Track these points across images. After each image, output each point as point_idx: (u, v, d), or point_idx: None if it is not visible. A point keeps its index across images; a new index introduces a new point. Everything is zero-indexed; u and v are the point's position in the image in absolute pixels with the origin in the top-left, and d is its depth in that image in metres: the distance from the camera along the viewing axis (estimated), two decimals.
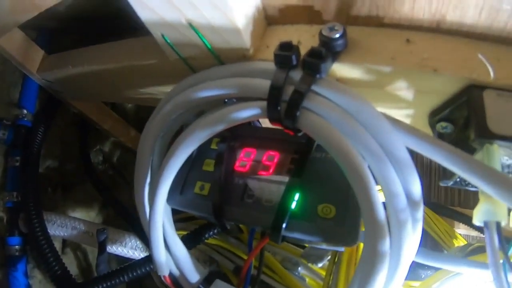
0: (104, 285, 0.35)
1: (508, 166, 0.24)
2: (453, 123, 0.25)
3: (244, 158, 0.28)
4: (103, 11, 0.45)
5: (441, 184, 0.27)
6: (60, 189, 0.49)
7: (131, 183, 0.62)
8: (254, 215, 0.26)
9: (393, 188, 0.21)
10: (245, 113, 0.23)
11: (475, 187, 0.26)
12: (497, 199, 0.20)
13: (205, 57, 0.27)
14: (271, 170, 0.27)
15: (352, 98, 0.21)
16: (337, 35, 0.22)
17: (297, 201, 0.25)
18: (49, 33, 0.45)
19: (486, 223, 0.21)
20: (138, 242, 0.40)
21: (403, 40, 0.23)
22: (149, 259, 0.36)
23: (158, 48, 0.29)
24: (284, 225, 0.24)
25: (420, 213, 0.22)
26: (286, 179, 0.26)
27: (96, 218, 0.54)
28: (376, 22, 0.24)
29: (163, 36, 0.26)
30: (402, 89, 0.24)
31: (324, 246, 0.28)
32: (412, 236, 0.22)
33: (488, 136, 0.21)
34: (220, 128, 0.25)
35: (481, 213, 0.21)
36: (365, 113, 0.21)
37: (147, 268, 0.36)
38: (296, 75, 0.22)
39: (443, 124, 0.25)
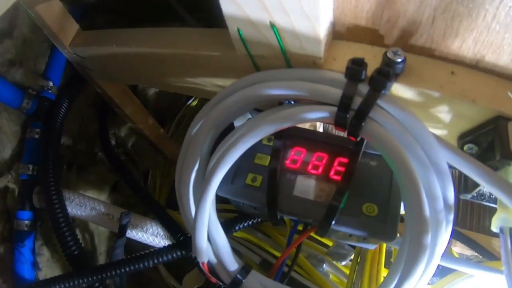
0: (126, 269, 0.39)
1: None
2: (478, 146, 0.33)
3: (295, 156, 0.34)
4: None
5: (461, 197, 0.35)
6: (75, 168, 0.51)
7: (142, 170, 0.65)
8: (305, 208, 0.32)
9: (435, 192, 0.28)
10: (315, 114, 0.30)
11: (488, 201, 0.34)
12: None
13: (274, 57, 0.32)
14: (320, 170, 0.33)
15: (409, 115, 0.28)
16: (400, 60, 0.29)
17: (345, 199, 0.31)
18: (84, 8, 0.48)
19: (501, 229, 0.29)
20: (159, 229, 0.44)
21: (449, 71, 0.31)
22: (173, 247, 0.41)
23: (223, 41, 0.35)
24: (334, 220, 0.30)
25: (451, 216, 0.29)
26: (336, 179, 0.32)
27: (107, 200, 0.57)
28: (428, 53, 0.32)
29: (238, 30, 0.31)
30: (443, 112, 0.32)
31: (362, 243, 0.35)
32: (445, 235, 0.29)
33: (511, 157, 0.29)
34: (286, 125, 0.30)
35: (498, 220, 0.29)
36: (418, 129, 0.28)
37: (172, 256, 0.40)
38: (363, 88, 0.29)
39: (470, 145, 0.33)
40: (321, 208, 0.31)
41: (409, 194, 0.28)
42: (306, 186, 0.33)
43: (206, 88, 0.41)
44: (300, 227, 0.34)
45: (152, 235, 0.43)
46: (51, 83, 0.47)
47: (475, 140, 0.32)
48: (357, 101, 0.29)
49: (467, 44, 0.30)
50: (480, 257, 0.45)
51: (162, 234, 0.44)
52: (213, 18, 0.55)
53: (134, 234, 0.43)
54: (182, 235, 0.41)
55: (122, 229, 0.42)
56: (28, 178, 0.46)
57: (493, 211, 0.37)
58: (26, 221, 0.45)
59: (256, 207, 0.33)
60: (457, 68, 0.31)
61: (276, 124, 0.30)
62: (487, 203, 0.34)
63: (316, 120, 0.30)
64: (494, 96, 0.30)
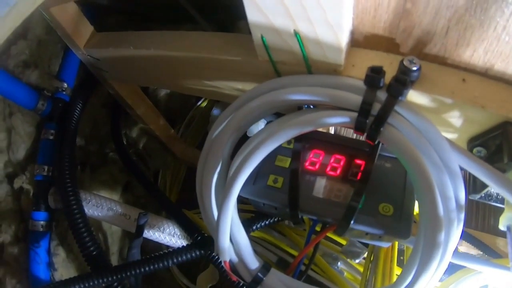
0: (146, 268, 0.41)
1: None
2: (487, 149, 0.35)
3: (314, 159, 0.37)
4: None
5: (470, 198, 0.37)
6: (88, 168, 0.53)
7: (152, 170, 0.67)
8: (325, 208, 0.34)
9: (448, 192, 0.31)
10: (336, 119, 0.32)
11: (496, 201, 0.36)
12: None
13: (296, 64, 0.34)
14: (338, 171, 0.36)
15: (424, 120, 0.31)
16: (415, 68, 0.32)
17: (363, 199, 0.34)
18: (96, 9, 0.49)
19: (509, 227, 0.32)
20: (176, 229, 0.46)
21: (460, 79, 0.33)
22: (192, 246, 0.42)
23: (244, 46, 0.37)
24: (353, 219, 0.32)
25: (462, 215, 0.32)
26: (354, 180, 0.35)
27: (119, 200, 0.58)
28: (440, 61, 0.34)
29: (262, 37, 0.33)
30: (454, 117, 0.34)
31: (377, 241, 0.37)
32: (457, 233, 0.31)
33: None
34: (308, 129, 0.33)
35: (506, 219, 0.32)
36: (432, 133, 0.31)
37: (191, 255, 0.42)
38: (381, 95, 0.31)
39: (479, 148, 0.35)
40: (340, 208, 0.33)
41: (425, 194, 0.30)
42: (325, 187, 0.35)
43: (224, 91, 0.43)
44: (317, 228, 0.36)
45: (169, 235, 0.45)
46: (65, 85, 0.49)
47: (484, 143, 0.35)
48: (376, 107, 0.31)
49: (478, 53, 0.32)
50: (486, 256, 0.47)
51: (179, 234, 0.45)
52: (224, 20, 0.57)
53: (151, 234, 0.45)
54: (199, 235, 0.43)
55: (140, 229, 0.43)
56: (43, 179, 0.47)
57: (498, 211, 0.39)
58: (42, 222, 0.46)
59: (277, 207, 0.36)
60: (468, 75, 0.33)
61: (298, 129, 0.32)
62: (494, 203, 0.37)
63: (336, 124, 0.32)
64: (503, 102, 0.33)
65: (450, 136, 0.37)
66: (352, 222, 0.33)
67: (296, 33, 0.32)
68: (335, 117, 0.32)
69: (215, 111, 0.64)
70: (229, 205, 0.34)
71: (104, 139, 0.56)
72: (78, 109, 0.49)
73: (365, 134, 0.32)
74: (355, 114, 0.31)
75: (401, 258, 0.42)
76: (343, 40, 0.31)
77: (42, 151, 0.47)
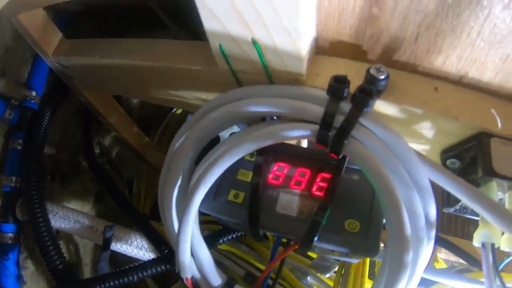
0: (110, 283, 0.38)
1: (500, 199, 0.32)
2: (461, 160, 0.32)
3: (277, 172, 0.34)
4: (128, 3, 0.48)
5: (444, 211, 0.35)
6: (58, 179, 0.50)
7: (126, 179, 0.65)
8: (288, 225, 0.31)
9: (416, 209, 0.28)
10: (296, 132, 0.29)
11: (471, 214, 0.34)
12: (493, 225, 0.28)
13: (256, 73, 0.32)
14: (303, 186, 0.33)
15: (392, 133, 0.28)
16: (383, 76, 0.29)
17: (327, 215, 0.31)
18: (67, 15, 0.47)
19: (483, 244, 0.29)
20: (144, 242, 0.43)
21: (432, 87, 0.30)
22: (158, 260, 0.40)
23: (206, 55, 0.34)
24: (316, 237, 0.30)
25: (433, 233, 0.29)
26: (319, 195, 0.32)
27: (90, 212, 0.56)
28: (411, 69, 0.31)
29: (220, 46, 0.31)
30: (426, 128, 0.31)
31: (345, 258, 0.35)
32: (427, 251, 0.29)
33: (493, 175, 0.29)
34: (269, 142, 0.30)
35: (480, 236, 0.29)
36: (400, 147, 0.28)
37: (157, 269, 0.39)
38: (345, 106, 0.28)
39: (452, 160, 0.32)
40: (304, 224, 0.31)
41: (390, 212, 0.27)
42: (288, 202, 0.32)
43: (189, 101, 0.41)
44: (284, 239, 0.34)
45: (136, 248, 0.43)
46: (34, 93, 0.46)
47: (458, 155, 0.32)
48: (339, 119, 0.28)
49: (451, 60, 0.29)
50: (465, 263, 0.45)
51: (146, 247, 0.43)
52: (197, 26, 0.54)
53: (118, 247, 0.43)
54: (166, 248, 0.41)
55: (107, 243, 0.41)
56: (11, 190, 0.45)
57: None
58: (10, 234, 0.44)
59: (238, 223, 0.33)
60: (440, 84, 0.31)
61: (258, 142, 0.30)
62: (469, 216, 0.34)
63: (297, 137, 0.29)
64: (477, 112, 0.30)
65: (422, 147, 0.34)
66: (315, 239, 0.30)
67: (254, 42, 0.29)
68: (296, 130, 0.29)
69: (190, 118, 0.61)
70: (188, 221, 0.31)
71: (76, 147, 0.54)
72: (46, 117, 0.47)
73: (328, 147, 0.29)
74: (317, 127, 0.28)
75: (375, 270, 0.40)
76: (303, 47, 0.28)
77: (10, 161, 0.45)
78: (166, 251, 0.41)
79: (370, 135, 0.28)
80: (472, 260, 0.44)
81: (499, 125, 0.29)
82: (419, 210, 0.28)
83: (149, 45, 0.39)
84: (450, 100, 0.30)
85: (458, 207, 0.33)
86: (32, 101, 0.46)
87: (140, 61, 0.38)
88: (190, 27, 0.52)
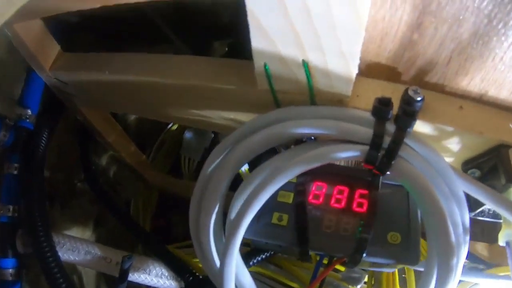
0: None
1: None
2: (480, 170, 0.35)
3: (316, 191, 0.34)
4: (128, 15, 0.45)
5: None
6: (58, 204, 0.46)
7: (124, 199, 0.60)
8: (335, 243, 0.32)
9: (456, 219, 0.30)
10: (346, 154, 0.30)
11: (488, 217, 0.37)
12: None
13: (299, 94, 0.32)
14: (343, 203, 0.34)
15: (432, 151, 0.30)
16: (419, 98, 0.30)
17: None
18: (65, 27, 0.43)
19: (508, 243, 0.32)
20: (163, 270, 0.41)
21: (458, 106, 0.33)
22: None
23: (239, 73, 0.33)
24: (365, 253, 0.31)
25: (468, 237, 0.31)
26: (360, 211, 0.33)
27: (91, 237, 0.52)
28: (439, 89, 0.33)
29: (265, 65, 0.30)
30: (453, 143, 0.34)
31: (379, 268, 0.36)
32: (464, 254, 0.31)
33: None
34: (317, 164, 0.30)
35: (505, 236, 0.32)
36: (440, 163, 0.30)
37: None
38: (390, 127, 0.30)
39: (473, 170, 0.35)
40: (349, 241, 0.31)
41: (438, 225, 0.29)
42: (331, 221, 0.33)
43: (213, 120, 0.39)
44: (325, 261, 0.34)
45: (156, 277, 0.40)
46: (29, 111, 0.42)
47: (478, 165, 0.35)
48: (386, 140, 0.29)
49: (475, 81, 0.32)
50: (466, 261, 0.49)
51: (167, 274, 0.41)
52: (199, 41, 0.53)
53: (136, 277, 0.40)
54: (190, 275, 0.39)
55: (124, 274, 0.38)
56: (8, 221, 0.40)
57: (477, 219, 0.40)
58: (10, 270, 0.39)
59: (285, 245, 0.33)
60: (464, 102, 0.33)
61: (306, 165, 0.30)
62: (486, 218, 0.37)
63: (347, 158, 0.30)
64: (497, 127, 0.33)
65: (448, 160, 0.36)
66: (364, 255, 0.31)
67: (304, 63, 0.29)
68: (346, 151, 0.30)
69: (188, 134, 0.59)
70: (233, 253, 0.30)
71: (72, 168, 0.50)
72: (44, 138, 0.42)
73: (375, 167, 0.30)
74: (366, 148, 0.29)
75: (403, 276, 0.42)
76: (354, 70, 0.29)
77: (6, 188, 0.40)
78: (191, 278, 0.39)
79: (414, 154, 0.29)
80: (473, 258, 0.48)
81: None
82: (458, 219, 0.30)
83: (166, 60, 0.37)
84: (474, 117, 0.33)
85: (477, 212, 0.37)
86: (28, 121, 0.42)
87: (159, 78, 0.36)
88: (193, 42, 0.51)
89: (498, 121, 0.33)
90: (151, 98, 0.40)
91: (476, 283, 0.40)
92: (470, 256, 0.48)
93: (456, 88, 0.33)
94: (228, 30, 0.52)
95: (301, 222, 0.32)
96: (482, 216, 0.37)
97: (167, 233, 0.60)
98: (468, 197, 0.37)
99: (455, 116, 0.32)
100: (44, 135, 0.43)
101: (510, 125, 0.33)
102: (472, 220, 0.39)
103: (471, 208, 0.37)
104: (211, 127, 0.41)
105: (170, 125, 0.67)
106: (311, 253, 0.35)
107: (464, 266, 0.41)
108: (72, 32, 0.44)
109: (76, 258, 0.40)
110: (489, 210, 0.38)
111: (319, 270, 0.34)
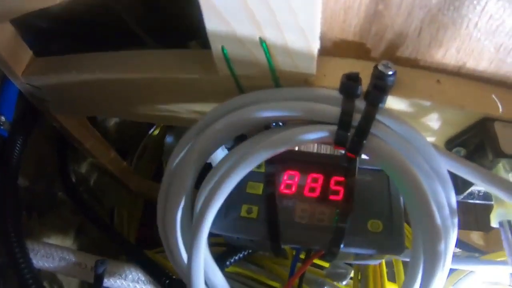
0: None
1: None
2: (466, 148, 0.33)
3: (288, 181, 0.32)
4: (101, 18, 0.44)
5: None
6: (36, 213, 0.44)
7: (106, 207, 0.58)
8: (310, 235, 0.29)
9: (441, 200, 0.27)
10: (313, 135, 0.27)
11: (478, 199, 0.34)
12: (508, 203, 0.28)
13: (261, 77, 0.30)
14: (317, 192, 0.31)
15: (408, 127, 0.27)
16: (391, 72, 0.28)
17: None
18: (37, 32, 0.41)
19: (501, 223, 0.29)
20: (139, 274, 0.38)
21: (435, 80, 0.31)
22: None
23: (202, 62, 0.31)
24: (343, 243, 0.28)
25: (456, 220, 0.29)
26: (336, 199, 0.30)
27: (72, 246, 0.49)
28: (413, 64, 0.31)
29: (222, 48, 0.28)
30: (433, 120, 0.31)
31: (367, 261, 0.33)
32: (453, 238, 0.28)
33: (503, 155, 0.29)
34: (284, 148, 0.28)
35: (496, 216, 0.29)
36: (418, 140, 0.27)
37: None
38: (360, 104, 0.27)
39: (458, 148, 0.33)
40: (326, 232, 0.29)
41: (420, 207, 0.26)
42: (305, 211, 0.30)
43: (181, 115, 0.37)
44: (302, 256, 0.31)
45: (133, 282, 0.38)
46: (3, 118, 0.40)
47: (462, 143, 0.33)
48: (356, 118, 0.27)
49: (451, 52, 0.30)
50: (460, 251, 0.46)
51: (143, 279, 0.38)
52: (174, 42, 0.52)
53: (112, 282, 0.37)
54: (167, 278, 0.37)
55: (99, 279, 0.36)
56: None
57: (468, 206, 0.37)
58: None
59: (256, 240, 0.30)
60: (441, 76, 0.31)
61: (273, 149, 0.28)
62: (477, 201, 0.35)
63: (315, 140, 0.28)
64: (478, 99, 0.30)
65: (429, 140, 0.34)
66: (342, 245, 0.28)
67: (262, 41, 0.27)
68: (313, 132, 0.27)
69: (168, 139, 0.57)
70: (199, 246, 0.28)
71: (51, 177, 0.48)
72: (18, 145, 0.41)
73: (346, 148, 0.27)
74: (334, 128, 0.27)
75: (392, 270, 0.39)
76: (315, 46, 0.27)
77: None
78: (168, 281, 0.36)
79: (389, 131, 0.27)
80: (468, 247, 0.45)
81: (500, 109, 0.30)
82: (443, 200, 0.27)
83: (133, 56, 0.35)
84: (453, 91, 0.30)
85: (466, 194, 0.34)
86: (2, 127, 0.40)
87: (126, 73, 0.34)
88: (168, 43, 0.49)
89: (479, 93, 0.30)
90: (119, 96, 0.38)
91: (471, 271, 0.37)
92: (466, 246, 0.45)
93: (431, 62, 0.31)
94: (203, 28, 0.50)
95: (271, 213, 0.29)
96: (472, 199, 0.35)
97: (153, 240, 0.58)
98: (456, 179, 0.34)
99: (433, 90, 0.30)
100: (19, 142, 0.41)
101: (493, 96, 0.30)
102: (463, 205, 0.36)
103: (459, 191, 0.34)
104: (181, 123, 0.39)
105: (151, 130, 0.65)
106: (286, 247, 0.32)
107: (458, 256, 0.38)
108: (46, 37, 0.43)
109: (51, 265, 0.38)
110: (478, 191, 0.35)
111: (296, 265, 0.31)
